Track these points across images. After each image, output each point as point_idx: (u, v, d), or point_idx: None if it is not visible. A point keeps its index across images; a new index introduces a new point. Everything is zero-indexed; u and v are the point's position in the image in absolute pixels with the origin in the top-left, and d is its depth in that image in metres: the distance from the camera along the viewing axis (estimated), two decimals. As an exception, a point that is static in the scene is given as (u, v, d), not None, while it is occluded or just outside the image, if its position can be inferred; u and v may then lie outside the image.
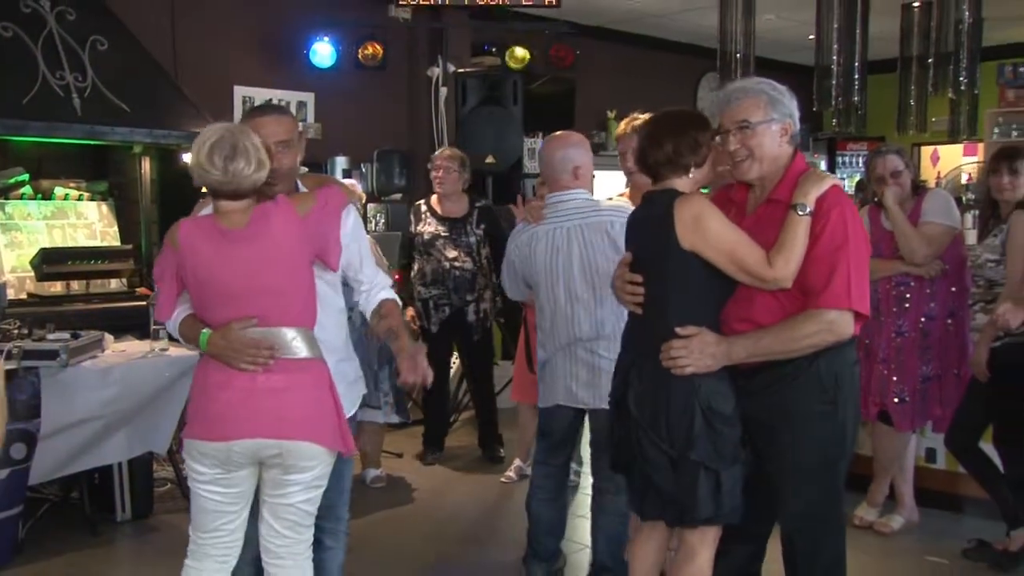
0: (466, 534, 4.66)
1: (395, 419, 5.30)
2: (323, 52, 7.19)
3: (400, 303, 3.05)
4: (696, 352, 2.72)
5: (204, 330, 2.70)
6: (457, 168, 5.57)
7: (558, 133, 3.89)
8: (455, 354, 6.24)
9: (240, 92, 7.27)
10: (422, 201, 5.73)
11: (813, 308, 2.69)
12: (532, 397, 5.05)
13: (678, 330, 2.74)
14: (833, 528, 2.89)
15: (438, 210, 5.61)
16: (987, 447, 4.23)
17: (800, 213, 2.69)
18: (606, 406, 3.25)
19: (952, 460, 4.49)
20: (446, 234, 5.56)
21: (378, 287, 3.00)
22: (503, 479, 5.40)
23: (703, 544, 2.87)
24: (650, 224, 2.86)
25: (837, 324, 2.69)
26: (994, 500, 4.21)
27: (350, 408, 2.97)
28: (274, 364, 2.66)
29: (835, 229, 2.70)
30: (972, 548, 4.24)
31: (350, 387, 3.03)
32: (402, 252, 5.71)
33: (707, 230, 2.71)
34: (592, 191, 3.81)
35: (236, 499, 2.76)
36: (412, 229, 5.63)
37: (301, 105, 7.61)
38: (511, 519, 4.83)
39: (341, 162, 7.34)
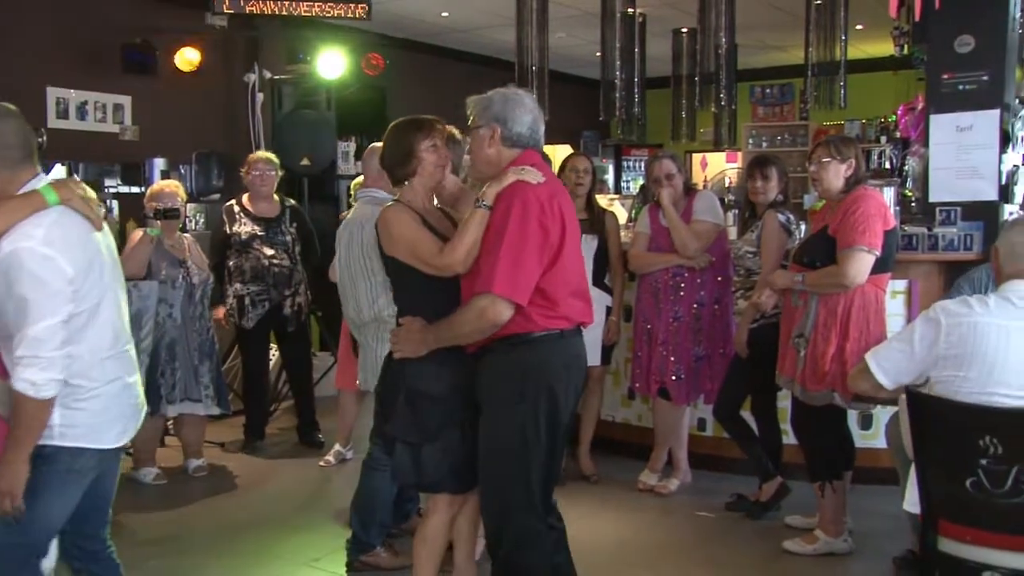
0: (288, 517, 4.53)
1: (216, 411, 5.11)
2: (139, 56, 6.84)
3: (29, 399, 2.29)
4: (403, 340, 2.86)
5: None
6: (274, 171, 5.47)
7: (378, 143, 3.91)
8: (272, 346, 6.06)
9: (53, 93, 6.77)
10: (233, 202, 5.53)
11: (473, 295, 2.75)
12: (354, 383, 5.01)
13: (399, 320, 2.92)
14: (515, 505, 2.80)
15: (252, 210, 5.45)
16: (747, 415, 4.50)
17: (476, 206, 2.80)
18: (369, 388, 3.54)
19: (719, 427, 4.71)
20: (262, 233, 5.41)
21: (19, 364, 2.27)
22: (322, 463, 5.29)
23: (434, 509, 3.04)
24: None
25: (487, 310, 2.69)
26: (750, 459, 4.48)
27: None
28: None
29: (498, 222, 2.74)
30: (732, 502, 4.52)
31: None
32: (214, 251, 5.47)
33: (391, 236, 2.88)
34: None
35: None
36: (227, 229, 5.42)
37: (118, 107, 7.18)
38: (331, 501, 4.74)
39: (159, 163, 6.98)
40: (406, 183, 2.98)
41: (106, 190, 6.60)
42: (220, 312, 5.44)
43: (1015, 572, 2.51)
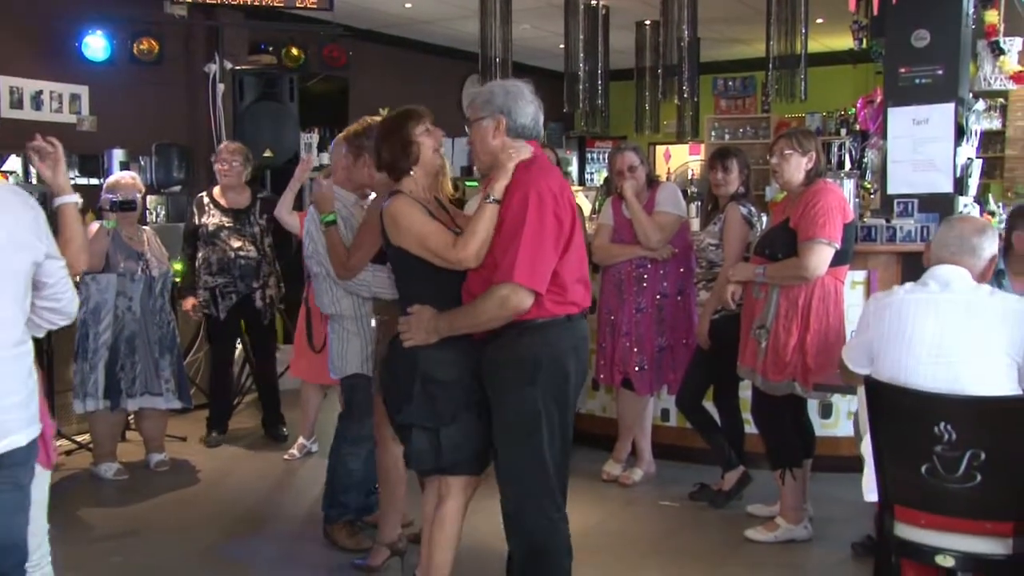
0: (251, 512, 4.50)
1: (177, 404, 5.06)
2: (96, 45, 6.73)
3: None
4: (414, 327, 2.88)
5: None
6: (241, 161, 5.42)
7: None
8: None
9: (7, 82, 6.66)
10: (204, 193, 5.50)
11: (494, 284, 2.77)
12: (310, 375, 5.01)
13: (408, 309, 2.92)
14: (534, 490, 2.83)
15: (221, 202, 5.41)
16: (709, 405, 4.55)
17: (485, 200, 2.82)
18: (336, 376, 3.66)
19: (682, 418, 4.74)
20: (230, 224, 5.37)
21: None
22: (286, 457, 5.26)
23: (450, 493, 3.02)
24: None
25: (509, 299, 2.73)
26: (713, 449, 4.52)
27: None
28: None
29: (515, 213, 2.76)
30: (696, 491, 4.56)
31: None
32: (185, 243, 5.44)
33: (400, 227, 2.89)
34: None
35: None
36: (195, 221, 5.39)
37: (75, 98, 7.08)
38: (295, 495, 4.73)
39: (118, 155, 6.91)
40: (410, 174, 2.99)
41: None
42: (188, 303, 5.40)
43: (966, 554, 2.59)
